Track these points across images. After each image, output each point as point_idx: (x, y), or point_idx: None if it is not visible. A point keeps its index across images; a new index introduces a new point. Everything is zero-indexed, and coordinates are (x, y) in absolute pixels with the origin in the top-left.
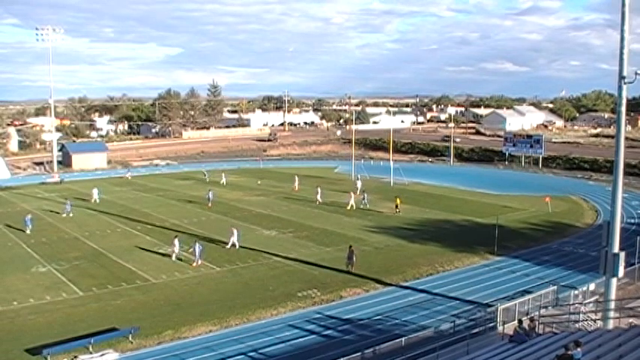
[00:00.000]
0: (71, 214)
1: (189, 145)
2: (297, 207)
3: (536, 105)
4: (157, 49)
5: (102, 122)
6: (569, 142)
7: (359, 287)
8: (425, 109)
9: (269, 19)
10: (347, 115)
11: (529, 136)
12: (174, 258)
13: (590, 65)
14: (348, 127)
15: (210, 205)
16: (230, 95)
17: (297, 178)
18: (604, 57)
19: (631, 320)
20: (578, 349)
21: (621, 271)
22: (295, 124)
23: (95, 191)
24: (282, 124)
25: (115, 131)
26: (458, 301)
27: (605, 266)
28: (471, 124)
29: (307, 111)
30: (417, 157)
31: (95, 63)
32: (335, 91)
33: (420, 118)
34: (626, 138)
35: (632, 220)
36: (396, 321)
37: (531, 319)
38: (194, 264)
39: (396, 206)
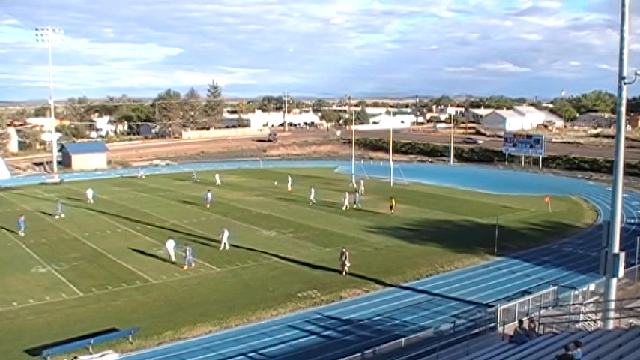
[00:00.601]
0: (62, 215)
1: (189, 146)
2: (296, 207)
3: (536, 105)
4: (157, 49)
5: (102, 123)
6: (569, 143)
7: (359, 288)
8: (425, 110)
9: (269, 20)
10: (347, 116)
11: (529, 137)
12: (173, 258)
13: (590, 65)
14: (347, 127)
15: (209, 205)
16: (230, 96)
17: (290, 179)
18: (604, 57)
19: (631, 320)
20: (578, 350)
21: (621, 272)
22: (295, 125)
23: (90, 192)
24: (281, 125)
25: (115, 132)
26: (458, 302)
27: (605, 266)
28: (470, 125)
29: (307, 111)
30: (416, 157)
31: (95, 63)
32: (335, 92)
33: (420, 119)
34: (626, 138)
35: (632, 221)
36: (396, 321)
37: (531, 320)
38: (184, 267)
39: (391, 207)
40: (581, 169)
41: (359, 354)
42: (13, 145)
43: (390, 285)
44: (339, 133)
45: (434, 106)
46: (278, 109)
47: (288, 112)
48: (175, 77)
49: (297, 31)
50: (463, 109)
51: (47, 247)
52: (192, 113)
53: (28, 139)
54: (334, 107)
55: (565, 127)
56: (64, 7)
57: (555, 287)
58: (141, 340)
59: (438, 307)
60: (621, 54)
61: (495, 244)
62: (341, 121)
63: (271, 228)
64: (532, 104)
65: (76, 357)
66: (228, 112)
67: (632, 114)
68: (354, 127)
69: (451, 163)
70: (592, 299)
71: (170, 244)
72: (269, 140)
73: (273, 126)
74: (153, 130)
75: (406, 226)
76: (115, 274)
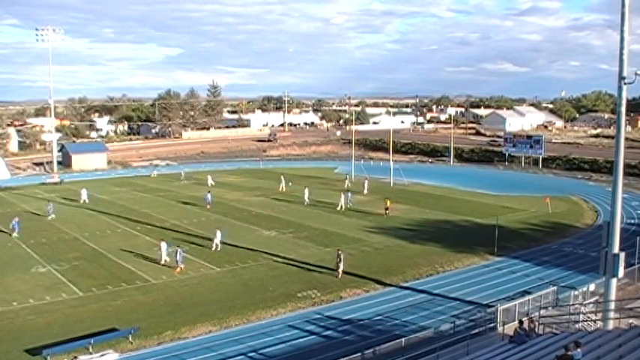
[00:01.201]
0: (53, 216)
1: (189, 146)
2: (296, 207)
3: (536, 105)
4: (157, 49)
5: (102, 123)
6: (569, 143)
7: (359, 288)
8: (425, 110)
9: (269, 20)
10: (347, 116)
11: (529, 137)
12: (163, 261)
13: (590, 66)
14: (347, 127)
15: (209, 206)
16: (230, 96)
17: (283, 179)
18: (604, 57)
19: (631, 321)
20: (578, 350)
21: (621, 272)
22: (295, 125)
23: (84, 192)
24: (281, 125)
25: (115, 132)
26: (458, 302)
27: (605, 267)
28: (470, 125)
29: (307, 111)
30: (416, 157)
31: (95, 63)
32: (335, 92)
33: (420, 119)
34: (626, 138)
35: (632, 221)
36: (396, 321)
37: (531, 320)
38: (177, 270)
39: (386, 208)
40: (581, 169)
41: (359, 354)
42: (13, 145)
43: (390, 285)
44: (339, 133)
45: (434, 107)
46: (278, 109)
47: (288, 112)
48: (175, 77)
49: (297, 31)
50: (463, 110)
51: (47, 247)
52: (192, 113)
53: (28, 139)
54: (334, 107)
55: (565, 127)
56: (64, 7)
57: (555, 287)
58: (141, 340)
59: (438, 308)
60: (621, 54)
61: (495, 245)
62: (341, 121)
63: (271, 228)
64: (532, 104)
65: (76, 357)
66: (228, 112)
67: (632, 114)
68: (354, 127)
69: (451, 163)
70: (592, 299)
71: (163, 246)
72: (269, 140)
73: (273, 126)
74: (153, 130)
75: (406, 226)
76: (115, 274)
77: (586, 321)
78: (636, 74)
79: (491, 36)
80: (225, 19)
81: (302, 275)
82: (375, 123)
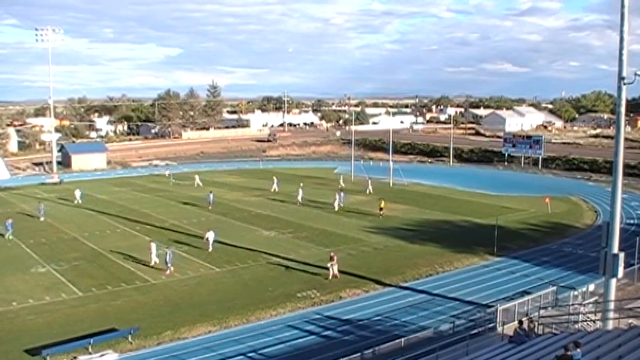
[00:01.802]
0: (42, 218)
1: (188, 146)
2: (296, 207)
3: (536, 106)
4: (157, 49)
5: (101, 123)
6: (568, 143)
7: (358, 288)
8: (424, 110)
9: (269, 20)
10: (346, 116)
11: (528, 137)
12: (152, 263)
13: (590, 66)
14: (347, 127)
15: (210, 207)
16: (230, 96)
17: (275, 179)
18: (603, 58)
19: (630, 321)
20: (578, 350)
21: (621, 272)
22: (295, 125)
23: (77, 192)
24: (281, 125)
25: (115, 132)
26: (457, 302)
27: (604, 267)
28: (470, 125)
29: (307, 111)
30: (416, 157)
31: (95, 63)
32: (334, 92)
33: (420, 119)
34: (626, 139)
35: (632, 221)
36: (396, 321)
37: (530, 320)
38: (167, 272)
39: (380, 209)
40: (581, 169)
41: (358, 354)
42: (12, 145)
43: (390, 285)
44: (338, 133)
45: (433, 107)
46: (278, 109)
47: (288, 112)
48: (175, 77)
49: (297, 31)
50: (463, 110)
51: (47, 247)
52: (191, 113)
53: (28, 139)
54: (334, 107)
55: (565, 127)
56: (63, 7)
57: (555, 288)
58: (140, 340)
59: (437, 308)
60: (621, 54)
61: (495, 245)
62: (340, 122)
63: (271, 228)
64: (532, 105)
65: (75, 357)
66: (228, 112)
67: (631, 114)
68: (353, 128)
69: (451, 163)
70: (591, 300)
71: (153, 247)
72: (269, 140)
73: (272, 126)
74: (152, 131)
75: (406, 226)
76: (114, 274)
77: (585, 321)
78: (636, 74)
79: (491, 36)
80: (225, 19)
81: (301, 275)
82: (374, 123)
